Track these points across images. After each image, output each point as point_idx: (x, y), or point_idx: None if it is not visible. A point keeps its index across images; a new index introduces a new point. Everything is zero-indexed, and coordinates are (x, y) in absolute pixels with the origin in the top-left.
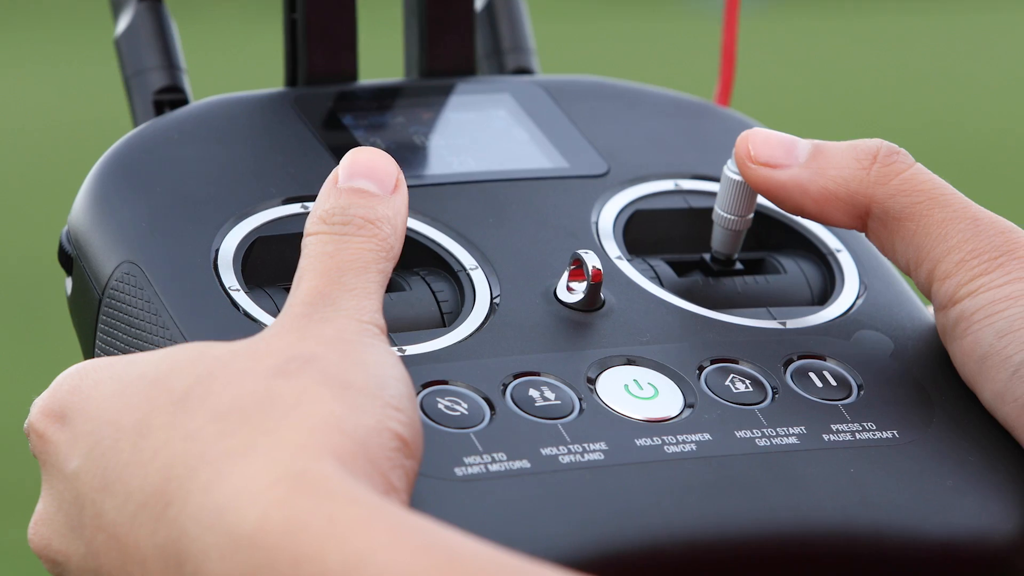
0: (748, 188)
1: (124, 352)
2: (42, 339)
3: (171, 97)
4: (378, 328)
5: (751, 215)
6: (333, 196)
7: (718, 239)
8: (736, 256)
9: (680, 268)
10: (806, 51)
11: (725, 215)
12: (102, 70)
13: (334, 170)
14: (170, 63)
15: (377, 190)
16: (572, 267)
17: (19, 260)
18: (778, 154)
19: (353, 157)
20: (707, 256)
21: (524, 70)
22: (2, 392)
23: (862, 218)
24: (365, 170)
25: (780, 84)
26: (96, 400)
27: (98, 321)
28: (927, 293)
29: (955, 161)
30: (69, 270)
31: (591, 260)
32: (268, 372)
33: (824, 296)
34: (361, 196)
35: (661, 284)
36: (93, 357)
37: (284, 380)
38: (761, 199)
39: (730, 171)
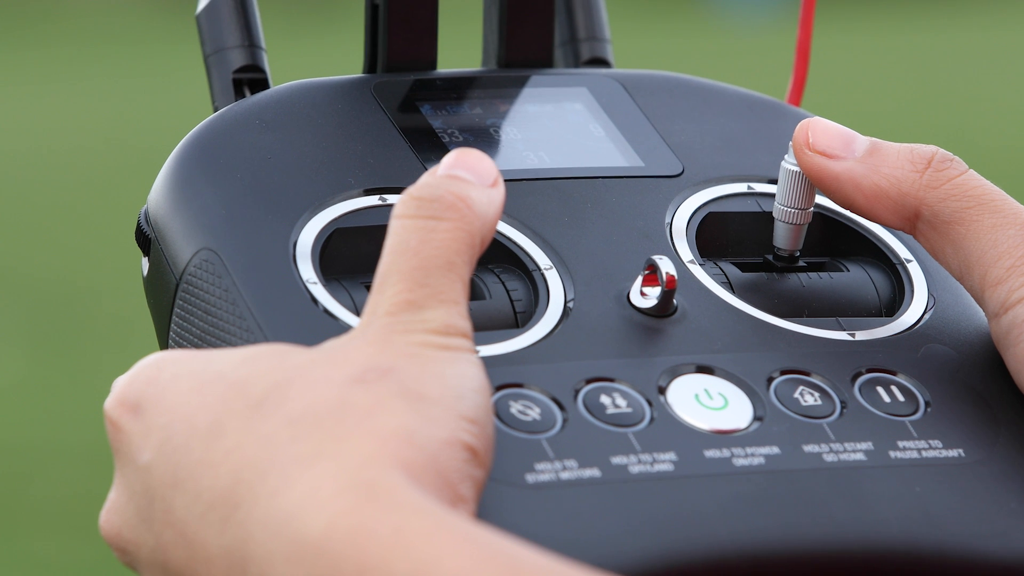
0: (807, 180)
1: (200, 339)
2: (73, 359)
3: (250, 76)
4: (463, 336)
5: (811, 208)
6: (428, 177)
7: (779, 234)
8: (798, 253)
9: (746, 270)
10: (825, 68)
11: (784, 208)
12: (133, 91)
13: (435, 167)
14: (250, 42)
15: (475, 180)
16: (646, 272)
17: (50, 280)
18: (836, 145)
19: (455, 155)
20: (770, 257)
21: (599, 60)
22: (28, 408)
23: (911, 220)
24: (465, 165)
25: (806, 100)
26: (172, 394)
27: (174, 306)
28: (979, 300)
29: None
30: (146, 251)
31: (666, 266)
32: (345, 380)
33: (892, 306)
34: (457, 180)
35: (732, 290)
36: (167, 339)
37: (360, 389)
38: (828, 203)
39: (788, 163)
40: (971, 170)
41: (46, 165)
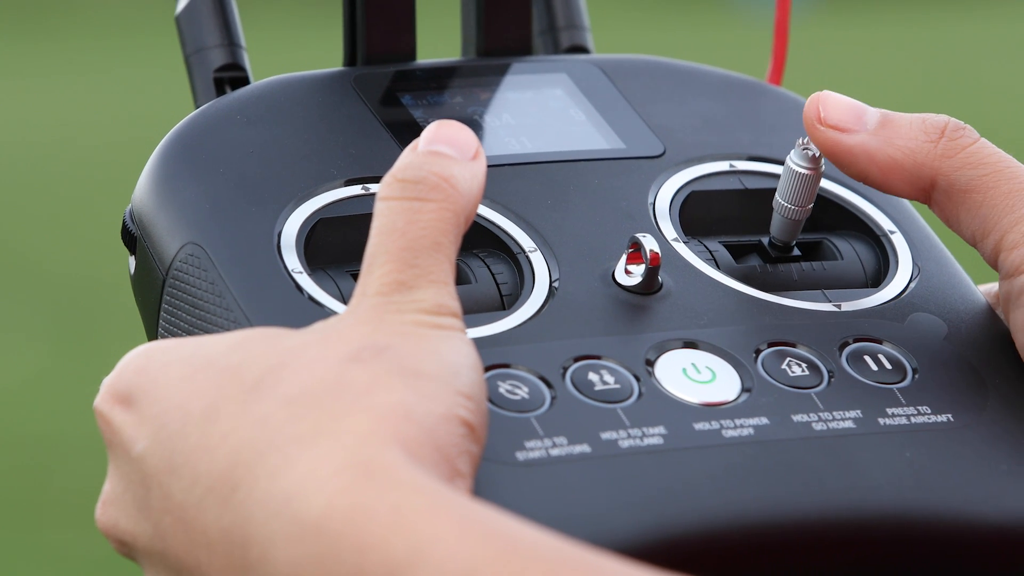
0: (810, 179)
1: (188, 333)
2: (95, 352)
3: (231, 75)
4: (453, 315)
5: (811, 205)
6: (410, 155)
7: (777, 226)
8: (794, 243)
9: (737, 251)
10: (832, 61)
11: (786, 204)
12: (156, 84)
13: (415, 140)
14: (230, 41)
15: (456, 155)
16: (630, 250)
17: (72, 274)
18: (848, 118)
19: (435, 128)
20: (764, 240)
21: (579, 47)
22: (50, 401)
23: (926, 190)
24: (445, 138)
25: (812, 92)
26: (163, 383)
27: (162, 301)
28: (993, 264)
29: None
30: (132, 250)
31: (649, 243)
32: (340, 359)
33: (878, 278)
34: (438, 156)
35: (717, 266)
36: (156, 337)
37: (356, 367)
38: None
39: (793, 162)
40: (983, 138)
41: (70, 158)
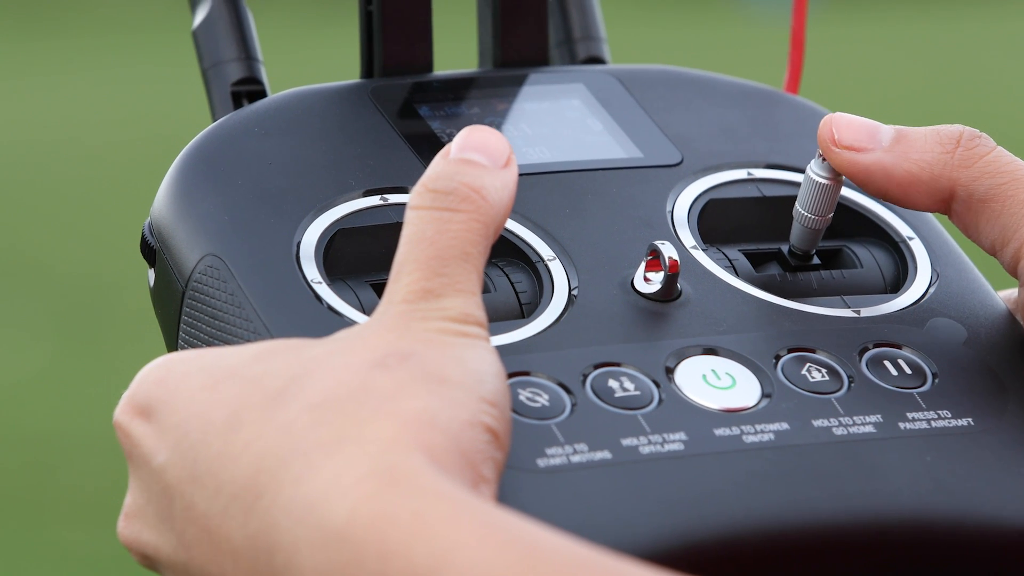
0: (831, 189)
1: (208, 344)
2: (99, 351)
3: (248, 88)
4: (479, 325)
5: (831, 214)
6: (441, 164)
7: (797, 235)
8: (814, 251)
9: (756, 259)
10: (843, 58)
11: (806, 214)
12: (161, 82)
13: (446, 145)
14: (247, 54)
15: (487, 163)
16: (649, 258)
17: (76, 273)
18: (862, 138)
19: (467, 133)
20: (784, 248)
21: (596, 59)
22: (54, 399)
23: (946, 201)
24: (477, 144)
25: (818, 91)
26: (184, 393)
27: (181, 313)
28: (1013, 271)
29: None
30: (152, 262)
31: (668, 251)
32: (365, 365)
33: (897, 284)
34: (470, 165)
35: (736, 274)
36: (176, 349)
37: (381, 373)
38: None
39: (813, 172)
40: (1000, 147)
41: (73, 157)
